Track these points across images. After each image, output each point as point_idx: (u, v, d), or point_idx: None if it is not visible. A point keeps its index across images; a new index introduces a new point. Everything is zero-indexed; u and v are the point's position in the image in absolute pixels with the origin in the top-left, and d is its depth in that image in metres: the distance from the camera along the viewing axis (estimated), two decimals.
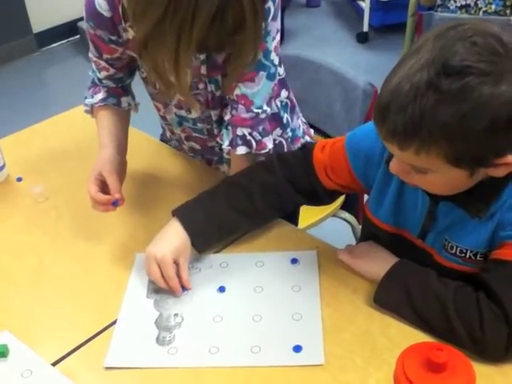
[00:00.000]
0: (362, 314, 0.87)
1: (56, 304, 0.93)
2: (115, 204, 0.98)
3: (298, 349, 0.82)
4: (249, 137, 1.02)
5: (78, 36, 3.45)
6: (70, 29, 3.42)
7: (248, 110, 1.01)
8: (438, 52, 0.68)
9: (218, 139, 1.07)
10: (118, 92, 1.11)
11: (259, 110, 1.01)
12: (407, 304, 0.82)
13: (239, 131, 1.02)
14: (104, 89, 1.10)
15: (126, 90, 1.13)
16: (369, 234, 0.97)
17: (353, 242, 1.41)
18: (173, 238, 0.94)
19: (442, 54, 0.68)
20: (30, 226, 1.09)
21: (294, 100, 1.17)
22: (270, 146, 1.04)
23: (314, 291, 0.91)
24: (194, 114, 1.09)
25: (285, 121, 1.05)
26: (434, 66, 0.68)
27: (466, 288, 0.81)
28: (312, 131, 1.24)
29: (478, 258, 0.83)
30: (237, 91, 1.00)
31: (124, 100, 1.12)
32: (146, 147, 1.27)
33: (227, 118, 1.04)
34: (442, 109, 0.67)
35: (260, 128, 1.02)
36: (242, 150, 1.03)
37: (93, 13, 0.98)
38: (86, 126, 1.36)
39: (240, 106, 1.01)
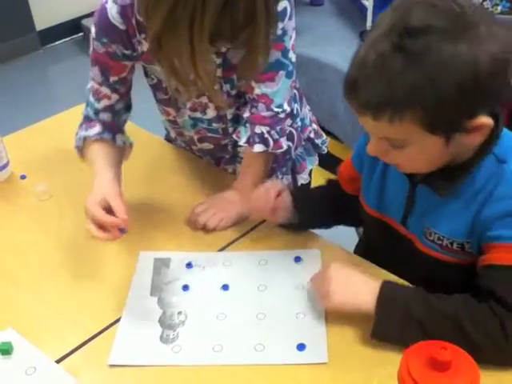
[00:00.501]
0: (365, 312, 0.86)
1: (60, 301, 0.93)
2: (123, 231, 0.90)
3: (301, 347, 0.82)
4: (266, 135, 1.03)
5: (81, 34, 3.45)
6: (73, 26, 3.42)
7: (268, 109, 1.02)
8: (398, 18, 0.70)
9: (234, 136, 1.08)
10: (113, 128, 1.06)
11: (279, 110, 1.03)
12: (416, 333, 0.76)
13: (257, 129, 1.03)
14: (99, 123, 1.05)
15: (121, 128, 1.09)
16: (363, 220, 0.99)
17: (355, 240, 1.41)
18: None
19: (402, 19, 0.70)
20: (33, 223, 1.10)
21: (300, 89, 1.18)
22: (285, 147, 1.06)
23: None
24: (210, 114, 1.09)
25: (295, 111, 1.06)
26: (395, 31, 0.69)
27: (472, 299, 0.78)
28: (313, 116, 1.24)
29: (454, 246, 0.83)
30: (257, 91, 1.01)
31: (119, 138, 1.07)
32: (150, 146, 1.27)
33: (246, 115, 1.04)
34: (409, 71, 0.68)
35: (278, 128, 1.04)
36: (259, 147, 1.04)
37: (107, 26, 0.95)
38: None
39: (260, 105, 1.02)
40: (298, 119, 1.10)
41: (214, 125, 1.12)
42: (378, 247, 0.98)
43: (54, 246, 1.04)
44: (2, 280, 0.97)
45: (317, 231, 1.07)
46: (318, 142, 1.22)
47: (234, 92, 1.05)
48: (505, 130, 0.81)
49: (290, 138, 1.07)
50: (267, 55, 0.95)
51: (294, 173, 1.21)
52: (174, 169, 1.22)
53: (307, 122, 1.19)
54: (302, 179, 1.22)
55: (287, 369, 0.80)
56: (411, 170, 0.83)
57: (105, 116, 1.05)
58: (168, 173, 1.22)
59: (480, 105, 0.72)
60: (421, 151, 0.76)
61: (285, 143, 1.06)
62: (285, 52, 0.99)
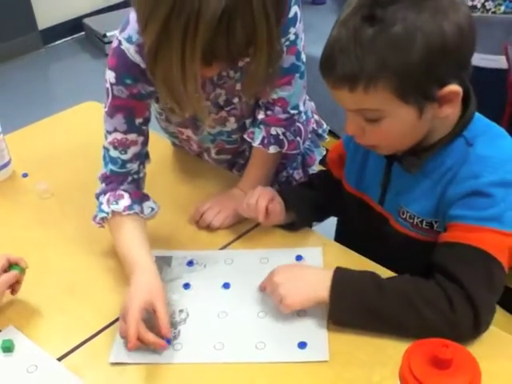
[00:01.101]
0: None
1: (61, 299, 0.93)
2: (169, 342, 0.83)
3: (302, 345, 0.82)
4: (282, 136, 1.04)
5: (82, 33, 3.46)
6: (74, 26, 3.43)
7: (284, 111, 1.03)
8: None
9: (245, 136, 1.06)
10: (140, 195, 1.01)
11: (295, 111, 1.03)
12: (369, 311, 0.80)
13: (273, 130, 1.04)
14: (126, 193, 0.98)
15: (144, 191, 1.03)
16: (344, 200, 1.00)
17: None
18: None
19: None
20: (34, 222, 1.10)
21: None
22: (298, 150, 1.07)
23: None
24: (230, 127, 1.08)
25: (299, 126, 1.07)
26: (365, 5, 0.74)
27: (420, 278, 0.81)
28: (313, 104, 1.24)
29: (423, 225, 0.86)
30: (273, 95, 1.01)
31: (147, 205, 1.01)
32: (152, 144, 1.26)
33: (261, 117, 1.04)
34: (380, 39, 0.72)
35: (292, 129, 1.05)
36: (273, 149, 1.04)
37: (129, 66, 0.91)
38: (91, 122, 1.36)
39: (277, 108, 1.02)
40: (303, 113, 1.11)
41: (234, 136, 1.11)
42: (355, 227, 1.00)
43: (55, 244, 1.04)
44: None
45: (318, 229, 1.07)
46: (320, 131, 1.23)
47: (252, 101, 1.06)
48: (477, 115, 0.84)
49: (298, 133, 1.07)
50: (269, 81, 0.92)
51: (305, 166, 1.22)
52: (176, 167, 1.23)
53: (310, 114, 1.19)
54: (313, 171, 1.22)
55: (288, 367, 0.80)
56: (387, 149, 0.86)
57: (133, 166, 0.99)
58: (170, 171, 1.22)
59: (449, 73, 0.76)
60: (395, 123, 0.78)
61: (297, 142, 1.07)
62: (298, 55, 1.00)
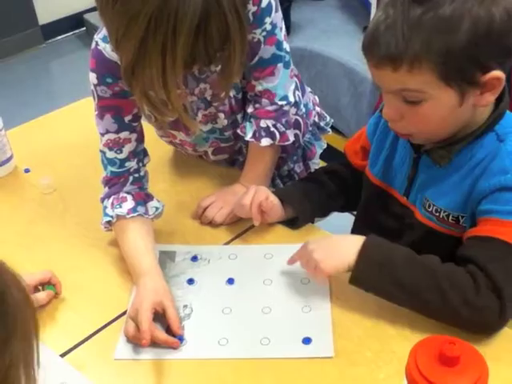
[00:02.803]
0: (372, 307, 0.86)
1: (64, 295, 0.93)
2: (181, 340, 0.83)
3: (307, 341, 0.82)
4: (272, 128, 1.03)
5: (83, 28, 3.44)
6: (75, 21, 3.41)
7: (272, 103, 1.01)
8: None
9: (238, 131, 1.06)
10: (143, 196, 1.00)
11: (283, 102, 1.02)
12: (391, 279, 0.80)
13: (263, 123, 1.03)
14: (129, 195, 0.98)
15: (147, 191, 1.03)
16: (364, 191, 1.00)
17: None
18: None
19: None
20: (37, 217, 1.09)
21: (299, 74, 1.16)
22: (292, 138, 1.06)
23: (322, 284, 0.90)
24: (221, 123, 1.07)
25: (297, 99, 1.05)
26: None
27: (451, 263, 0.80)
28: (317, 98, 1.23)
29: (449, 219, 0.85)
30: (258, 87, 1.01)
31: (151, 206, 1.00)
32: (155, 140, 1.26)
33: (250, 110, 1.03)
34: (427, 19, 0.72)
35: (283, 120, 1.03)
36: (265, 141, 1.03)
37: (108, 65, 0.91)
38: (93, 117, 1.36)
39: (264, 100, 1.01)
40: (302, 106, 1.10)
41: (226, 133, 1.11)
42: (375, 219, 0.99)
43: (58, 239, 1.04)
44: None
45: (321, 225, 1.07)
46: (322, 123, 1.22)
47: (240, 96, 1.05)
48: (508, 112, 0.83)
49: (296, 126, 1.06)
50: (242, 71, 0.94)
51: (306, 159, 1.21)
52: (179, 162, 1.22)
53: (310, 106, 1.18)
54: (314, 165, 1.21)
55: (293, 363, 0.80)
56: (423, 137, 0.84)
57: (132, 164, 1.00)
58: (173, 166, 1.21)
59: (493, 59, 0.75)
60: (436, 107, 0.77)
61: (291, 134, 1.05)
62: (278, 44, 0.98)
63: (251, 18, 0.93)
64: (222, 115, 1.06)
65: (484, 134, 0.82)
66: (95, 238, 1.03)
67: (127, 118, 0.98)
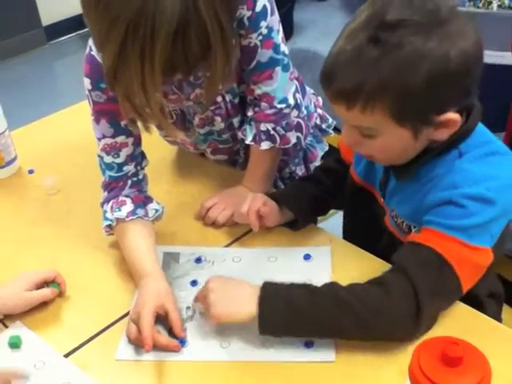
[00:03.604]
0: None
1: (68, 296, 0.93)
2: (183, 343, 0.83)
3: (309, 345, 0.82)
4: (272, 132, 1.03)
5: (86, 29, 3.44)
6: (78, 22, 3.40)
7: (271, 107, 1.01)
8: (375, 12, 0.74)
9: (239, 134, 1.07)
10: (142, 198, 1.01)
11: (283, 105, 1.02)
12: (300, 319, 0.77)
13: (263, 126, 1.03)
14: (128, 199, 0.99)
15: (147, 193, 1.03)
16: (349, 190, 1.01)
17: None
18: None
19: (379, 13, 0.73)
20: (41, 217, 1.10)
21: (300, 76, 1.16)
22: (294, 140, 1.06)
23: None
24: (218, 126, 1.08)
25: (298, 101, 1.06)
26: (372, 24, 0.73)
27: (355, 283, 0.80)
28: (320, 100, 1.23)
29: (403, 226, 0.87)
30: (257, 91, 1.01)
31: (151, 208, 1.00)
32: (159, 141, 1.26)
33: (250, 114, 1.04)
34: (382, 63, 0.72)
35: (283, 123, 1.03)
36: (265, 145, 1.04)
37: (101, 69, 0.87)
38: None
39: (263, 104, 1.01)
40: (303, 108, 1.10)
41: (224, 136, 1.11)
42: (357, 218, 1.00)
43: (62, 240, 1.04)
44: (10, 274, 0.97)
45: (325, 226, 1.07)
46: (325, 126, 1.22)
47: (237, 100, 1.05)
48: (481, 128, 0.83)
49: (298, 128, 1.06)
50: (227, 80, 0.93)
51: (307, 162, 1.21)
52: (181, 164, 1.22)
53: (312, 108, 1.19)
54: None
55: (295, 366, 0.80)
56: (384, 162, 0.86)
57: (130, 168, 1.00)
58: (175, 167, 1.22)
59: (449, 100, 0.75)
60: (390, 142, 0.79)
61: (293, 137, 1.05)
62: (276, 47, 0.98)
63: (246, 22, 0.93)
64: (218, 118, 1.06)
65: (447, 151, 0.81)
66: (99, 239, 1.03)
67: (123, 123, 0.98)
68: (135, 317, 0.84)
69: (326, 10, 3.67)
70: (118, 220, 0.97)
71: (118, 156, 0.99)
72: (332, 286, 0.80)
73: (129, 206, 0.98)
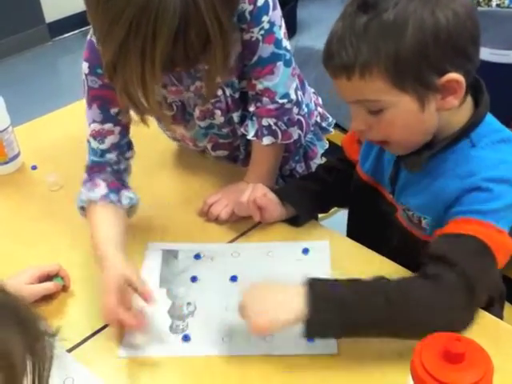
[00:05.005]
0: None
1: (71, 291, 0.93)
2: (186, 338, 0.83)
3: (311, 338, 0.82)
4: (274, 127, 1.03)
5: (90, 26, 3.45)
6: (82, 19, 3.39)
7: (273, 102, 1.02)
8: None
9: (242, 129, 1.07)
10: (118, 184, 1.00)
11: (284, 100, 1.02)
12: (351, 321, 0.75)
13: (264, 121, 1.03)
14: (104, 183, 0.98)
15: (125, 181, 1.03)
16: (355, 187, 1.00)
17: None
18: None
19: None
20: (44, 214, 1.10)
21: (301, 74, 1.16)
22: (295, 136, 1.06)
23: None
24: (218, 120, 1.08)
25: (300, 98, 1.06)
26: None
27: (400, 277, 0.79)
28: (320, 99, 1.23)
29: (414, 219, 0.87)
30: (259, 86, 1.01)
31: (125, 196, 0.99)
32: (160, 137, 1.26)
33: (252, 109, 1.04)
34: (372, 26, 0.73)
35: (285, 118, 1.03)
36: (267, 140, 1.04)
37: (99, 56, 0.89)
38: None
39: (264, 99, 1.02)
40: (304, 105, 1.10)
41: (224, 130, 1.11)
42: (365, 217, 0.99)
43: (64, 236, 1.04)
44: (13, 269, 0.97)
45: (325, 223, 1.07)
46: (325, 124, 1.22)
47: (237, 95, 1.05)
48: (490, 118, 0.83)
49: (299, 126, 1.06)
50: (226, 74, 0.94)
51: (307, 159, 1.21)
52: (183, 160, 1.22)
53: (312, 106, 1.19)
54: (316, 164, 1.21)
55: (297, 359, 0.80)
56: (398, 146, 0.84)
57: (111, 156, 1.00)
58: (177, 164, 1.22)
59: (446, 60, 0.74)
60: (398, 114, 0.78)
61: (294, 132, 1.05)
62: (278, 43, 0.98)
63: (248, 16, 0.94)
64: (218, 112, 1.06)
65: (458, 140, 0.81)
66: None
67: (113, 110, 0.99)
68: (102, 304, 0.84)
69: (330, 8, 3.66)
70: (91, 202, 0.97)
71: (103, 142, 1.00)
72: (381, 286, 0.76)
73: (103, 189, 0.98)
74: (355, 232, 1.04)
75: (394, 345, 0.79)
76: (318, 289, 0.76)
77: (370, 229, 0.98)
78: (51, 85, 2.96)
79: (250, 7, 0.93)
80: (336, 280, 0.79)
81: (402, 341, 0.78)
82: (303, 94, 1.12)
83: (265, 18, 0.95)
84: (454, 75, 0.74)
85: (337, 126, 1.39)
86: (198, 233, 1.04)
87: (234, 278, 0.93)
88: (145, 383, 0.80)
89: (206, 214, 1.06)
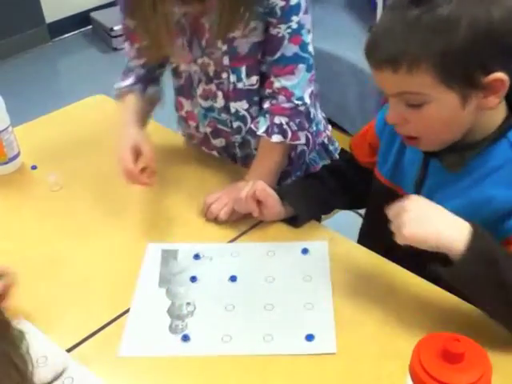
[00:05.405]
0: (375, 303, 0.86)
1: (70, 291, 0.93)
2: (186, 338, 0.84)
3: (310, 337, 0.82)
4: (285, 126, 1.04)
5: (90, 26, 3.46)
6: (82, 19, 3.43)
7: (288, 101, 1.03)
8: None
9: (252, 126, 1.08)
10: (145, 79, 1.14)
11: (299, 102, 1.03)
12: (495, 277, 0.72)
13: (277, 119, 1.04)
14: (133, 75, 1.13)
15: (156, 80, 1.16)
16: (373, 191, 1.00)
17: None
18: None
19: None
20: (44, 214, 1.10)
21: (317, 96, 1.18)
22: (303, 140, 1.07)
23: (325, 281, 0.91)
24: (219, 103, 1.10)
25: (312, 115, 1.08)
26: None
27: None
28: (330, 127, 1.25)
29: None
30: (276, 84, 1.03)
31: (151, 88, 1.14)
32: (161, 137, 1.27)
33: (266, 106, 1.05)
34: (425, 20, 0.72)
35: (297, 120, 1.05)
36: (276, 138, 1.04)
37: None
38: (99, 115, 1.37)
39: (280, 97, 1.03)
40: (314, 124, 1.12)
41: (223, 115, 1.12)
42: (384, 220, 0.96)
43: (64, 237, 1.04)
44: (13, 269, 0.98)
45: (324, 223, 1.06)
46: (331, 148, 1.23)
47: (240, 85, 1.06)
48: None
49: (304, 128, 1.07)
50: (235, 25, 0.98)
51: None
52: (183, 160, 1.22)
53: (321, 127, 1.21)
54: None
55: (296, 359, 0.80)
56: (429, 142, 0.83)
57: (139, 71, 1.13)
58: (177, 164, 1.21)
59: (495, 59, 0.74)
60: (438, 110, 0.76)
61: (303, 136, 1.06)
62: (303, 46, 1.00)
63: (278, 12, 0.96)
64: (220, 94, 1.08)
65: (497, 139, 0.80)
66: (101, 236, 1.03)
67: (136, 46, 1.09)
68: (117, 158, 1.00)
69: (331, 9, 3.66)
70: (121, 89, 1.12)
71: (131, 61, 1.13)
72: None
73: (130, 80, 1.12)
74: (370, 234, 1.02)
75: (393, 344, 0.80)
76: (479, 232, 0.73)
77: (386, 232, 0.94)
78: (51, 85, 2.96)
79: (282, 3, 0.96)
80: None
81: (401, 340, 0.79)
82: (316, 113, 1.14)
83: (294, 18, 0.97)
84: (500, 74, 0.74)
85: (337, 126, 1.40)
86: (197, 233, 1.04)
87: (233, 278, 0.93)
88: (144, 383, 0.80)
89: (206, 214, 1.06)
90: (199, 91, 1.11)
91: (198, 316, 0.87)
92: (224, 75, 1.05)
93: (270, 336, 0.83)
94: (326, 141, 1.21)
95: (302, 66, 1.01)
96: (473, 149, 0.81)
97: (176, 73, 1.14)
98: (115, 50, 3.23)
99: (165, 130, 1.31)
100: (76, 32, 3.46)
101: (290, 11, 0.96)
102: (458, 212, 0.82)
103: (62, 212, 1.10)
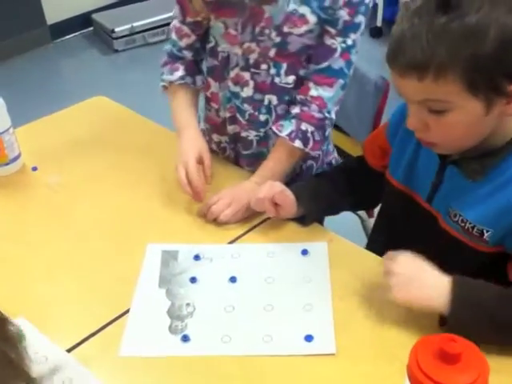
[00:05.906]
0: (373, 304, 0.87)
1: (71, 292, 0.94)
2: (186, 339, 0.84)
3: (309, 338, 0.82)
4: (309, 134, 1.05)
5: (91, 28, 3.46)
6: (83, 21, 3.43)
7: (320, 111, 1.05)
8: None
9: (273, 128, 1.08)
10: (193, 69, 1.16)
11: (328, 115, 1.05)
12: (488, 321, 0.75)
13: (303, 126, 1.05)
14: (182, 66, 1.15)
15: (199, 68, 1.18)
16: (386, 195, 1.00)
17: (362, 234, 1.41)
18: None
19: None
20: (44, 215, 1.10)
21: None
22: (319, 153, 1.11)
23: (324, 282, 0.91)
24: (247, 93, 1.10)
25: (327, 133, 1.09)
26: None
27: None
28: (335, 151, 1.26)
29: (474, 231, 0.83)
30: (313, 92, 1.04)
31: (199, 79, 1.17)
32: (161, 138, 1.27)
33: (295, 111, 1.06)
34: (453, 27, 0.71)
35: (320, 132, 1.06)
36: (298, 143, 1.06)
37: None
38: (99, 116, 1.37)
39: (313, 106, 1.04)
40: (326, 143, 1.14)
41: (245, 105, 1.12)
42: (397, 224, 0.97)
43: (65, 238, 1.05)
44: (14, 270, 0.98)
45: (325, 223, 1.07)
46: None
47: (277, 80, 1.07)
48: None
49: (315, 158, 1.11)
50: None
51: None
52: None
53: (331, 148, 1.23)
54: None
55: (295, 360, 0.80)
56: (447, 148, 0.83)
57: (187, 53, 1.15)
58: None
59: None
60: (461, 117, 0.76)
61: (319, 150, 1.08)
62: (348, 64, 1.02)
63: (340, 24, 0.98)
64: (252, 84, 1.09)
65: None
66: (101, 236, 1.04)
67: (188, 20, 1.11)
68: (182, 163, 1.05)
69: None
70: (170, 83, 1.15)
71: (181, 40, 1.14)
72: None
73: (180, 72, 1.14)
74: (382, 237, 1.02)
75: (391, 345, 0.80)
76: (463, 289, 0.77)
77: (399, 236, 0.93)
78: (52, 86, 2.97)
79: (347, 18, 0.97)
80: (484, 284, 0.78)
81: (399, 342, 0.79)
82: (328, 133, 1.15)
83: (352, 35, 0.99)
84: None
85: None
86: (197, 233, 1.04)
87: (233, 279, 0.94)
88: (144, 383, 0.81)
89: (205, 215, 1.06)
90: (232, 74, 1.10)
91: (198, 317, 0.88)
92: (263, 66, 1.05)
93: (270, 337, 0.83)
94: (333, 161, 1.23)
95: (340, 82, 1.03)
96: (493, 156, 0.80)
97: (213, 51, 1.12)
98: (116, 51, 3.23)
99: (165, 130, 1.31)
100: (77, 33, 3.46)
101: (351, 27, 0.98)
102: (479, 220, 0.82)
103: (63, 213, 1.10)
